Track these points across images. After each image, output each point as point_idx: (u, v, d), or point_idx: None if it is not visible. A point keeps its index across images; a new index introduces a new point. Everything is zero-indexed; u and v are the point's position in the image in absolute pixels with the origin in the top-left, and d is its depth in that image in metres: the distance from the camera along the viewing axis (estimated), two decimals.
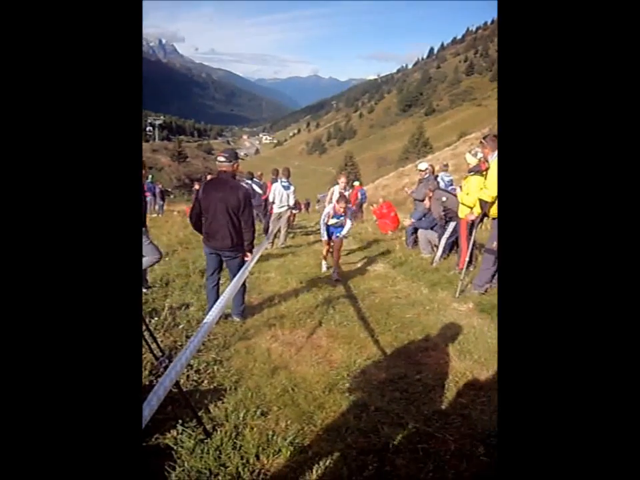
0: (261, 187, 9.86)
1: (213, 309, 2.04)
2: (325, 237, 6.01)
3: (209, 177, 5.51)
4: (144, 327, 2.30)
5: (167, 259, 6.25)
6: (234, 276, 3.97)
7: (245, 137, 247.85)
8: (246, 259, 3.87)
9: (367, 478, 1.96)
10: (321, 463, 2.03)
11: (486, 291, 4.71)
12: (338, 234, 5.97)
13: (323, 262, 6.41)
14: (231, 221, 3.72)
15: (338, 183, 7.64)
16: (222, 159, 3.78)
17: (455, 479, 1.96)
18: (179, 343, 3.46)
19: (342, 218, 5.87)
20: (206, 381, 2.87)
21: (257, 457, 2.09)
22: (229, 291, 2.31)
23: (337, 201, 5.73)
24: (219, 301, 2.12)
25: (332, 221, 5.93)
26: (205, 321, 1.96)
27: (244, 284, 4.08)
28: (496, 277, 4.83)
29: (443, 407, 2.57)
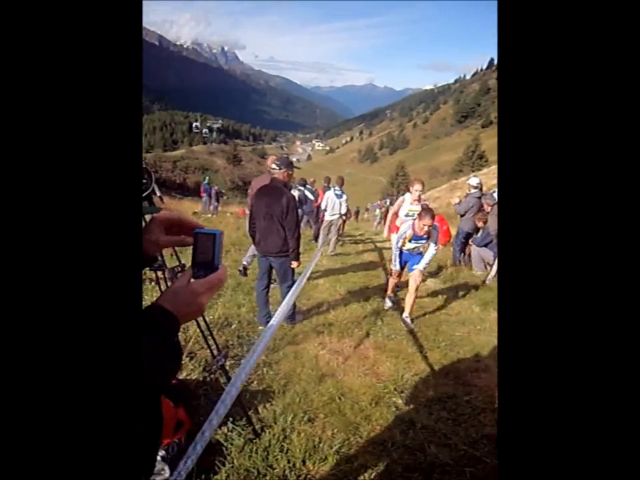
0: (312, 193, 9.99)
1: (275, 316, 2.11)
2: (396, 266, 4.58)
3: (253, 181, 5.62)
4: (203, 325, 2.42)
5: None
6: (280, 280, 4.07)
7: (298, 142, 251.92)
8: (292, 266, 3.94)
9: None
10: (366, 475, 2.05)
11: None
12: (416, 265, 4.45)
13: (387, 298, 4.99)
14: (276, 226, 3.80)
15: (410, 191, 5.71)
16: (274, 165, 3.90)
17: None
18: (230, 342, 3.59)
19: (423, 241, 4.40)
20: (255, 382, 2.95)
21: (304, 461, 2.13)
22: (289, 298, 2.38)
23: (420, 217, 4.24)
24: (280, 309, 2.19)
25: (409, 245, 4.46)
26: (268, 325, 2.03)
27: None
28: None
29: (492, 431, 2.49)
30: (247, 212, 5.22)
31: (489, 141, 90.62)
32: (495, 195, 7.67)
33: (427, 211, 4.25)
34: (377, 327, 4.20)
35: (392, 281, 4.91)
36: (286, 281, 3.99)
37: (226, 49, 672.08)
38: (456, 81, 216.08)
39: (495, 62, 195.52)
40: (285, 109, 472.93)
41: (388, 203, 21.07)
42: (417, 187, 5.63)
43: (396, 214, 5.76)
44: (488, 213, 6.66)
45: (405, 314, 4.41)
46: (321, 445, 2.26)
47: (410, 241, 4.42)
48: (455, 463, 2.19)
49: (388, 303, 4.96)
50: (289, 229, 3.80)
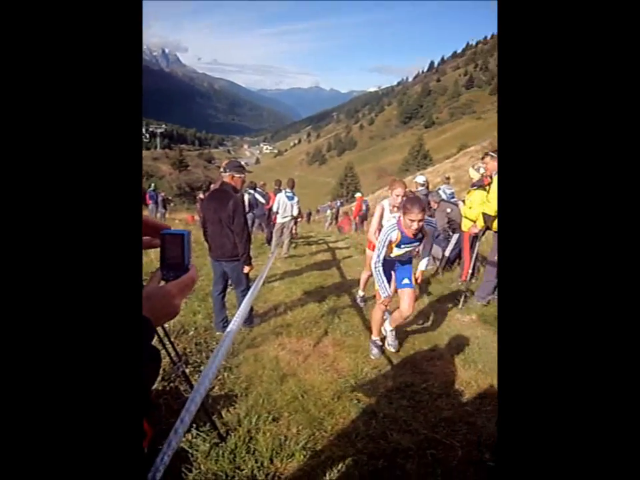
0: (263, 196, 9.97)
1: (233, 320, 2.11)
2: (385, 292, 3.32)
3: (212, 187, 5.49)
4: (161, 332, 2.38)
5: None
6: (234, 285, 4.05)
7: (245, 146, 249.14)
8: (244, 270, 3.92)
9: None
10: (334, 467, 2.10)
11: (488, 303, 4.77)
12: (406, 279, 3.51)
13: (372, 344, 3.64)
14: (225, 231, 3.77)
15: (391, 196, 4.43)
16: (222, 169, 3.90)
17: None
18: (188, 350, 3.53)
19: (416, 243, 3.39)
20: (217, 387, 2.93)
21: (271, 460, 2.15)
22: (246, 302, 2.39)
23: (405, 211, 3.14)
24: (237, 312, 2.19)
25: (397, 252, 3.40)
26: (227, 331, 2.03)
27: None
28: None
29: (450, 414, 2.63)
30: (197, 218, 5.12)
31: (432, 141, 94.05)
32: (441, 192, 8.01)
33: (413, 201, 3.14)
34: (335, 324, 4.27)
35: (379, 312, 3.58)
36: (240, 286, 3.97)
37: (167, 51, 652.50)
38: (399, 83, 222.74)
39: (436, 64, 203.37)
40: (231, 112, 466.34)
41: (338, 204, 21.36)
42: (398, 190, 4.33)
43: (378, 228, 4.42)
44: (434, 209, 6.94)
45: (388, 334, 3.57)
46: (287, 442, 2.29)
47: (398, 246, 3.34)
48: (416, 447, 2.29)
49: (374, 351, 3.59)
50: (237, 234, 3.76)
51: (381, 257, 3.28)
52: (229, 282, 4.13)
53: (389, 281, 3.41)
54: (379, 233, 3.81)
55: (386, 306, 3.47)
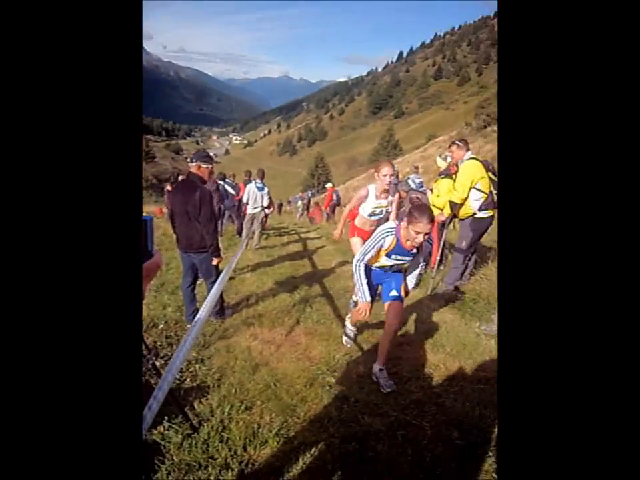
0: (233, 187, 9.85)
1: (200, 312, 2.10)
2: (365, 297, 2.96)
3: (180, 178, 5.36)
4: None
5: None
6: (203, 277, 4.02)
7: (214, 137, 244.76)
8: (213, 263, 3.88)
9: (351, 464, 2.07)
10: (307, 452, 2.13)
11: (456, 288, 4.91)
12: (393, 291, 3.07)
13: (345, 337, 3.57)
14: (192, 222, 3.72)
15: (377, 179, 3.87)
16: (189, 160, 3.85)
17: (432, 462, 2.10)
18: (159, 343, 3.49)
19: (408, 258, 2.96)
20: (188, 379, 2.91)
21: (245, 448, 2.16)
22: (213, 293, 2.38)
23: (411, 219, 2.65)
24: (205, 303, 2.18)
25: (384, 262, 2.99)
26: (194, 322, 2.02)
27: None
28: (465, 274, 5.06)
29: (419, 396, 2.71)
30: (165, 210, 5.02)
31: (402, 131, 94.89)
32: (410, 181, 8.12)
33: (422, 209, 2.65)
34: (307, 313, 4.30)
35: (356, 317, 3.28)
36: (210, 277, 3.94)
37: None
38: (368, 74, 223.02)
39: (405, 55, 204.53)
40: (199, 102, 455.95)
41: (309, 195, 21.35)
42: (386, 169, 3.72)
43: (353, 212, 4.19)
44: (402, 199, 7.04)
45: (377, 364, 2.98)
46: (260, 430, 2.31)
47: (388, 256, 2.94)
48: (387, 429, 2.35)
49: (346, 341, 3.57)
50: (204, 225, 3.71)
51: (365, 259, 2.92)
52: (199, 274, 4.09)
53: (371, 291, 3.01)
54: (351, 216, 4.22)
55: (366, 313, 3.00)
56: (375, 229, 3.14)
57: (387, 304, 3.06)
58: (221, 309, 4.09)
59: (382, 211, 4.07)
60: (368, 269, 3.03)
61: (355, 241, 4.19)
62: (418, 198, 5.45)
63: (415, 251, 2.88)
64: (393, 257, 2.93)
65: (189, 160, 3.90)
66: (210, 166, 3.88)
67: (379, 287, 3.23)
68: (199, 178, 3.76)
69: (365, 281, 2.95)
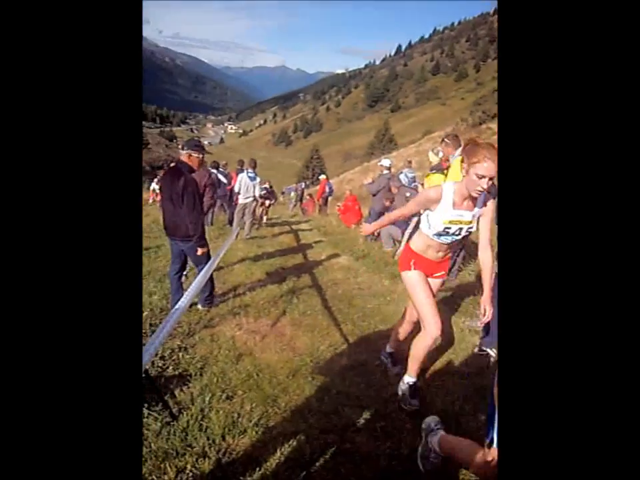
0: (226, 176, 9.78)
1: (183, 298, 2.08)
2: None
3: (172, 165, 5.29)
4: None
5: None
6: (195, 263, 3.99)
7: (209, 125, 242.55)
8: (198, 253, 3.83)
9: (329, 455, 2.08)
10: (285, 443, 2.14)
11: (444, 284, 4.93)
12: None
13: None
14: (177, 210, 3.69)
15: (468, 175, 2.14)
16: (180, 147, 3.81)
17: (409, 454, 2.11)
18: (143, 331, 3.46)
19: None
20: (171, 367, 2.90)
21: (223, 437, 2.16)
22: (199, 280, 2.36)
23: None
24: (189, 289, 2.16)
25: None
26: (174, 309, 2.00)
27: (211, 273, 4.11)
28: (453, 270, 5.08)
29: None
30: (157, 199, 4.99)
31: (398, 125, 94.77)
32: (402, 176, 8.11)
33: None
34: (293, 304, 4.30)
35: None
36: (200, 264, 3.91)
37: None
38: (366, 66, 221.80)
39: (403, 48, 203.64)
40: (194, 90, 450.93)
41: (303, 186, 21.28)
42: (486, 165, 2.05)
43: (403, 218, 3.29)
44: (395, 194, 7.04)
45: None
46: (239, 419, 2.31)
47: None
48: (367, 422, 2.37)
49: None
50: (187, 214, 3.66)
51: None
52: (189, 261, 4.07)
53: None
54: (388, 221, 2.84)
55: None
56: (445, 258, 2.57)
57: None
58: (210, 296, 4.07)
59: (460, 230, 2.37)
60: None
61: (412, 278, 2.51)
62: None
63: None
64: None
65: (180, 147, 3.86)
66: (201, 155, 3.84)
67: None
68: (187, 166, 3.72)
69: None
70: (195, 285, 2.26)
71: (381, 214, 7.64)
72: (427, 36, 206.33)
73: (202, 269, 3.84)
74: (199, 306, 4.01)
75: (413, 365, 2.54)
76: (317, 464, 2.04)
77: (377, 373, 2.95)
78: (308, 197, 17.74)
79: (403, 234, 6.57)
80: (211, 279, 4.09)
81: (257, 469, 1.97)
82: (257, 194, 7.97)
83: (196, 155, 3.77)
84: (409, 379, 2.56)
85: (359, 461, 2.07)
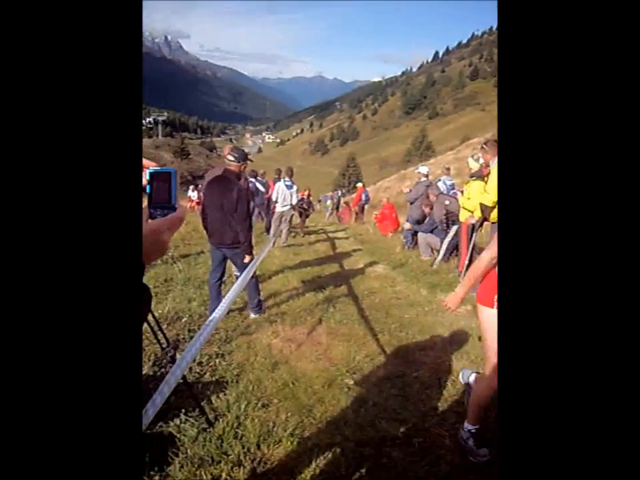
0: (263, 185, 9.94)
1: (220, 305, 2.09)
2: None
3: (209, 172, 5.39)
4: (151, 318, 2.37)
5: (169, 254, 6.30)
6: (240, 270, 4.04)
7: (248, 135, 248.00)
8: (245, 260, 3.89)
9: (364, 470, 2.03)
10: (320, 454, 2.10)
11: None
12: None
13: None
14: (227, 218, 3.75)
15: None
16: (231, 158, 3.83)
17: (449, 472, 2.02)
18: (182, 336, 3.54)
19: None
20: (208, 374, 2.93)
21: (258, 446, 2.15)
22: (236, 288, 2.38)
23: None
24: (226, 297, 2.18)
25: None
26: (212, 316, 2.02)
27: (257, 280, 4.17)
28: None
29: (439, 404, 2.63)
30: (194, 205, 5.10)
31: (436, 132, 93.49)
32: (440, 184, 7.96)
33: None
34: (330, 313, 4.27)
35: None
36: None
37: (169, 38, 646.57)
38: (403, 74, 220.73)
39: (440, 55, 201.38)
40: (234, 101, 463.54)
41: (339, 194, 21.31)
42: None
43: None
44: (433, 201, 6.91)
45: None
46: (275, 428, 2.29)
47: None
48: (404, 436, 2.29)
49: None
50: (239, 222, 3.74)
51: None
52: (236, 268, 4.13)
53: None
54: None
55: None
56: None
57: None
58: (259, 302, 4.13)
59: None
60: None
61: (487, 318, 2.03)
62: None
63: None
64: None
65: (230, 158, 3.87)
66: (246, 164, 3.94)
67: None
68: (235, 174, 3.81)
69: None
70: (232, 292, 2.27)
71: (419, 222, 7.52)
72: (464, 41, 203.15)
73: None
74: (252, 315, 4.06)
75: (474, 412, 2.18)
76: (352, 477, 2.00)
77: (415, 385, 2.86)
78: (344, 205, 17.72)
79: (441, 242, 6.43)
80: (256, 286, 4.14)
81: None
82: (294, 202, 8.04)
83: (243, 165, 3.86)
84: (469, 426, 2.19)
85: (395, 476, 2.01)
